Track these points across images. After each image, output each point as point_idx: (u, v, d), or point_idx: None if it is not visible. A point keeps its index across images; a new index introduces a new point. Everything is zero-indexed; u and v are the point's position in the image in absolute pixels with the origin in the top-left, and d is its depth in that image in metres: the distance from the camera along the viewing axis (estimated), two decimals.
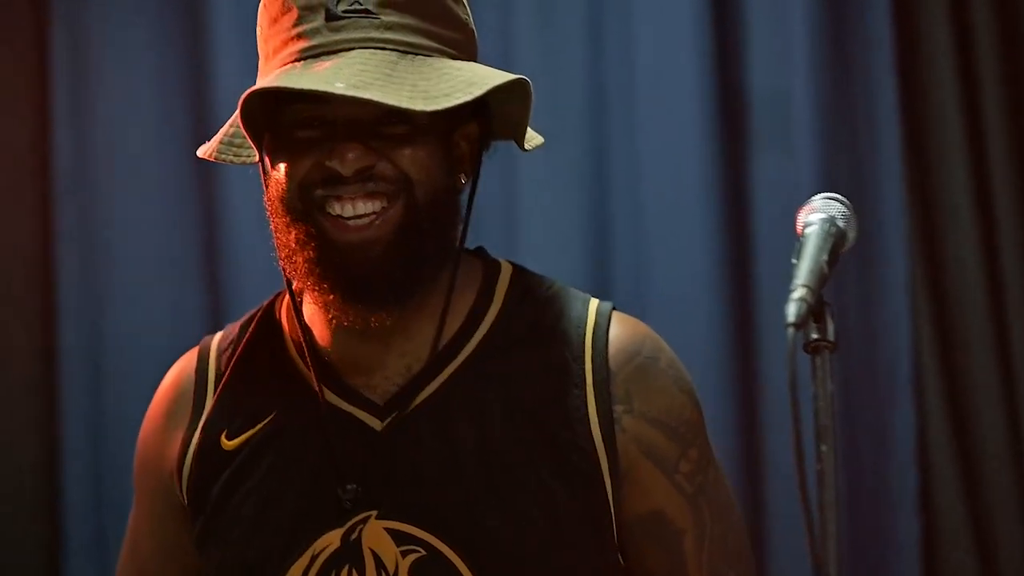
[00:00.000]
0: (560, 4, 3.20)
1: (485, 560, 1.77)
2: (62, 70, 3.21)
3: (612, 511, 1.82)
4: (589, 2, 3.20)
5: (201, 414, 1.87)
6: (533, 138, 1.92)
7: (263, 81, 1.73)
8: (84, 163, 3.19)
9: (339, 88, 1.67)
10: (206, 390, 1.89)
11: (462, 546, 1.77)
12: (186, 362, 1.93)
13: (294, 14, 1.75)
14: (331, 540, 1.78)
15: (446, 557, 1.77)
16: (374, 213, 1.73)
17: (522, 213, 3.17)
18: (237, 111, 1.72)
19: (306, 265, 1.75)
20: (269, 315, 1.91)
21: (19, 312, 3.23)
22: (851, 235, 1.57)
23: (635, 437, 1.82)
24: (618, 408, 1.82)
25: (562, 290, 1.90)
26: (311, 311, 1.85)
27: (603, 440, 1.80)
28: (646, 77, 3.16)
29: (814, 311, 1.48)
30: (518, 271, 1.91)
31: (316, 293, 1.77)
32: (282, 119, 1.75)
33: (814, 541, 1.40)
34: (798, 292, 1.45)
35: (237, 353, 1.89)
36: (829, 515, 1.44)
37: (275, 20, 1.77)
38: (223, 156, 1.84)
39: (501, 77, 1.76)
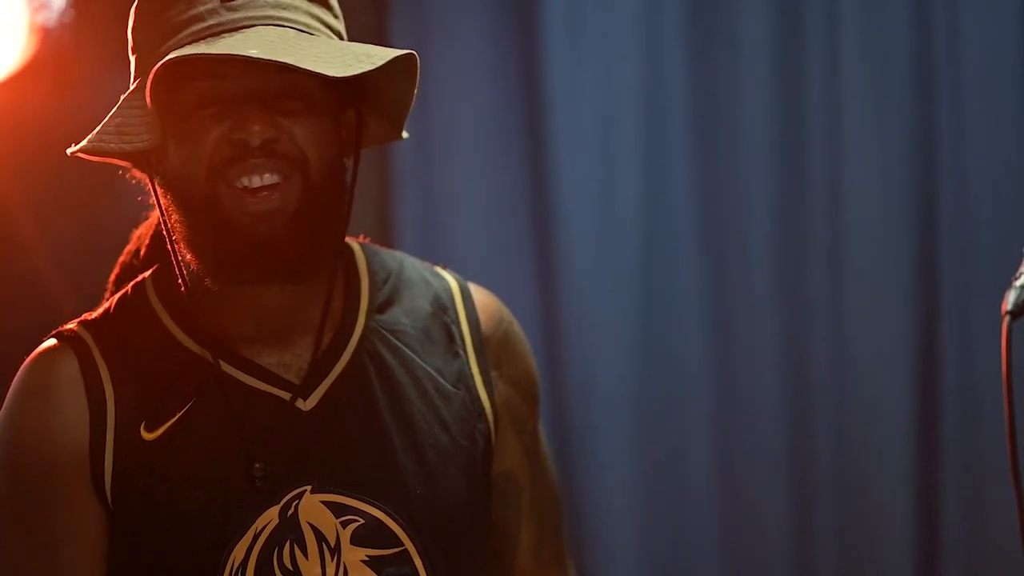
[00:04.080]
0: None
1: (419, 522, 1.84)
2: None
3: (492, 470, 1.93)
4: None
5: (105, 412, 1.83)
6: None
7: (168, 57, 1.73)
8: (422, 156, 3.32)
9: (253, 53, 1.70)
10: (102, 388, 1.84)
11: (397, 511, 1.83)
12: (61, 363, 1.85)
13: (185, 1, 1.79)
14: (271, 517, 1.82)
15: (384, 523, 1.83)
16: (274, 184, 1.76)
17: (846, 208, 3.15)
18: (120, 101, 1.77)
19: (209, 246, 1.79)
20: (143, 305, 1.90)
21: None
22: None
23: (505, 400, 1.95)
24: (493, 373, 1.94)
25: (408, 258, 1.99)
26: (211, 296, 1.85)
27: (489, 400, 1.92)
28: (973, 65, 3.09)
29: None
30: (364, 245, 1.97)
31: (219, 274, 1.80)
32: (181, 101, 1.77)
33: None
34: (1021, 280, 1.43)
35: (126, 345, 1.87)
36: None
37: (162, 11, 1.80)
38: (110, 146, 1.81)
39: (394, 51, 1.78)
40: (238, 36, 1.76)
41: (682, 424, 3.19)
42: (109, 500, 1.82)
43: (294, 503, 1.83)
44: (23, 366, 1.88)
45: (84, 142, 1.82)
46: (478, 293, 2.00)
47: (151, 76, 1.73)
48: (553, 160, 3.22)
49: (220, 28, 1.78)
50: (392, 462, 1.86)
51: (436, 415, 1.90)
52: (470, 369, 1.93)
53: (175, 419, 1.83)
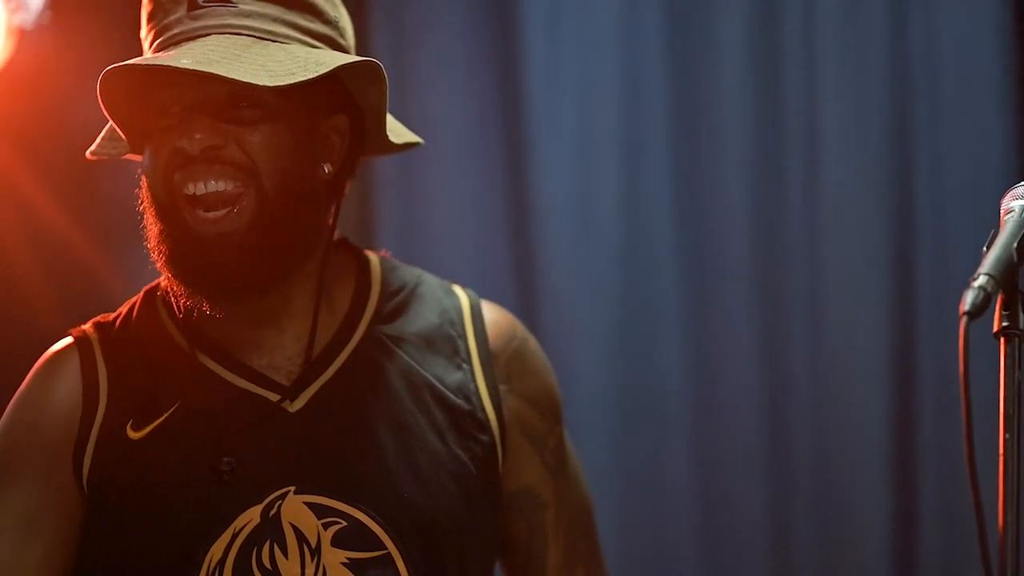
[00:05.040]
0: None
1: (405, 527, 1.83)
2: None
3: (500, 483, 1.92)
4: None
5: (95, 409, 1.87)
6: (404, 134, 1.97)
7: (112, 66, 1.76)
8: (401, 157, 3.31)
9: (184, 64, 1.72)
10: (97, 386, 1.88)
11: (382, 516, 1.83)
12: (66, 359, 1.91)
13: (161, 8, 1.82)
14: (251, 517, 1.82)
15: (367, 527, 1.83)
16: (226, 195, 1.77)
17: (823, 206, 3.16)
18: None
19: (167, 256, 1.81)
20: (149, 308, 1.93)
21: None
22: None
23: (516, 415, 1.93)
24: (502, 387, 1.93)
25: (424, 275, 1.99)
26: None
27: (495, 413, 1.91)
28: (950, 63, 3.11)
29: (1005, 299, 1.46)
30: (385, 259, 1.98)
31: (176, 283, 1.82)
32: (146, 110, 1.80)
33: (984, 534, 1.38)
34: (978, 280, 1.43)
35: (127, 348, 1.90)
36: (1009, 504, 1.42)
37: (148, 19, 1.84)
38: (102, 151, 1.89)
39: (349, 59, 1.80)
40: (189, 46, 1.78)
41: (660, 425, 3.19)
42: (85, 491, 1.85)
43: (277, 503, 1.84)
44: (38, 360, 1.94)
45: (93, 145, 1.91)
46: (490, 310, 1.99)
47: (98, 86, 1.76)
48: (532, 160, 3.23)
49: (181, 37, 1.80)
50: (380, 465, 1.86)
51: (431, 421, 1.89)
52: (475, 383, 1.93)
53: (162, 419, 1.86)
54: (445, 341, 1.94)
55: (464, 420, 1.91)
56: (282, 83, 1.74)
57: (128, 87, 1.79)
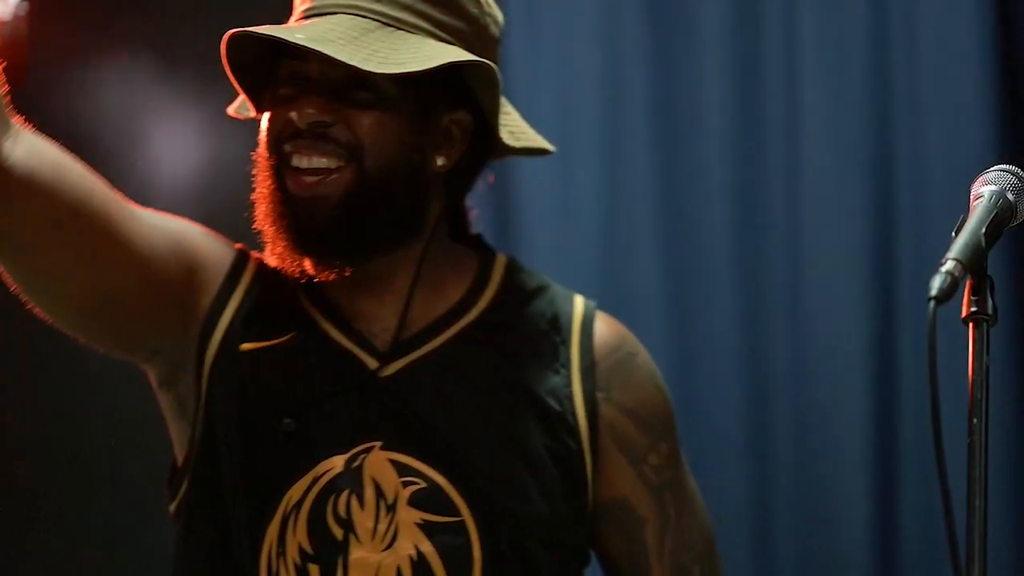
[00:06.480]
0: None
1: (481, 502, 1.85)
2: None
3: (589, 492, 1.91)
4: None
5: (225, 302, 1.94)
6: (527, 139, 2.00)
7: (233, 31, 1.82)
8: None
9: (297, 38, 1.76)
10: (235, 286, 1.95)
11: (462, 484, 1.84)
12: (228, 252, 1.98)
13: None
14: (334, 464, 1.86)
15: (446, 493, 1.85)
16: (327, 170, 1.82)
17: (804, 196, 3.16)
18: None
19: (266, 216, 1.87)
20: None
21: None
22: (1022, 208, 1.55)
23: (610, 424, 1.93)
24: (599, 395, 1.92)
25: (549, 282, 2.00)
26: None
27: (587, 419, 1.91)
28: (930, 51, 3.11)
29: (974, 284, 1.47)
30: (512, 261, 2.01)
31: (272, 242, 1.88)
32: (275, 77, 1.86)
33: (951, 519, 1.39)
34: (946, 265, 1.45)
35: (269, 273, 1.95)
36: (976, 489, 1.43)
37: None
38: (241, 111, 1.96)
39: (460, 55, 1.82)
40: (316, 21, 1.84)
41: None
42: (203, 395, 1.91)
43: (361, 456, 1.86)
44: None
45: (235, 103, 1.97)
46: (602, 321, 2.00)
47: (223, 46, 1.82)
48: (517, 161, 3.22)
49: (314, 12, 1.87)
50: (463, 439, 1.87)
51: (514, 415, 1.90)
52: (569, 387, 1.93)
53: (270, 343, 1.91)
54: (548, 345, 1.95)
55: (552, 421, 1.91)
56: (388, 71, 1.78)
57: (256, 53, 1.84)
